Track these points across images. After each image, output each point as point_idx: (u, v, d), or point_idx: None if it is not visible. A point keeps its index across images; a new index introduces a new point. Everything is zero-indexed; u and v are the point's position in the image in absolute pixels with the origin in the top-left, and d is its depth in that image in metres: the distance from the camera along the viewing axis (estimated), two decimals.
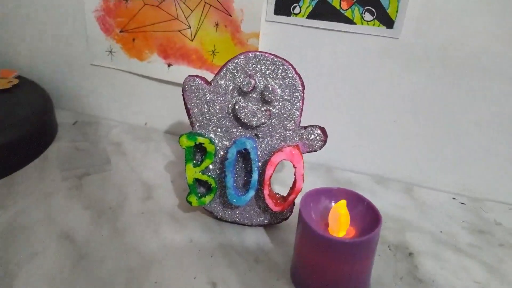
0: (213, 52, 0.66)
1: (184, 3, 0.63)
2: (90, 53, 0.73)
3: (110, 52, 0.71)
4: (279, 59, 0.50)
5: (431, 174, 0.66)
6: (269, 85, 0.49)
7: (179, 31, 0.66)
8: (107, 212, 0.55)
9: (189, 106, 0.52)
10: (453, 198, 0.64)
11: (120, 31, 0.69)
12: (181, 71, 0.69)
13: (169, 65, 0.69)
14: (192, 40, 0.66)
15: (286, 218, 0.53)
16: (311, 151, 0.52)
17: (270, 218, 0.53)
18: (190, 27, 0.65)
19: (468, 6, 0.55)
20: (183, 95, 0.52)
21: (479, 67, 0.58)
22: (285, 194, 0.53)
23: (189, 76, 0.51)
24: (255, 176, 0.49)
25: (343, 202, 0.43)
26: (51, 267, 0.46)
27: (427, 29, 0.57)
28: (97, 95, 0.78)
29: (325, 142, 0.51)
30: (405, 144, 0.66)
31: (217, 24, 0.64)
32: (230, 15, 0.62)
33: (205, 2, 0.62)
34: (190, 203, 0.51)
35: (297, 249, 0.46)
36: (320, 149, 0.52)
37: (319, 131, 0.51)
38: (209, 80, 0.52)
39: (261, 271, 0.48)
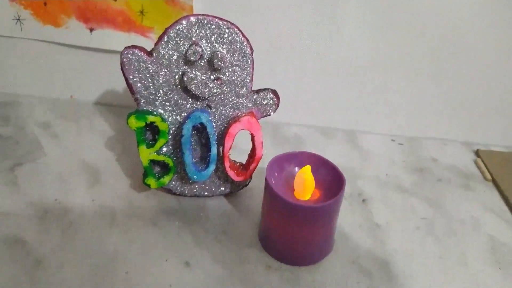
0: (142, 12, 0.60)
1: None
2: None
3: (18, 19, 0.61)
4: (224, 22, 0.46)
5: (371, 119, 0.69)
6: (218, 52, 0.46)
7: None
8: (54, 206, 0.50)
9: (130, 82, 0.47)
10: (392, 140, 0.69)
11: None
12: (105, 36, 0.62)
13: (91, 29, 0.61)
14: (115, 0, 0.59)
15: (246, 185, 0.53)
16: (265, 116, 0.51)
17: (231, 187, 0.53)
18: None
19: None
20: (122, 70, 0.47)
21: (408, 15, 0.60)
22: (241, 160, 0.52)
23: (126, 48, 0.46)
24: (214, 150, 0.47)
25: (307, 168, 0.44)
26: (6, 281, 0.42)
27: None
28: (10, 71, 0.68)
29: (278, 105, 0.51)
30: (346, 94, 0.67)
31: None
32: None
33: None
34: (148, 185, 0.48)
35: (265, 216, 0.47)
36: (274, 112, 0.51)
37: (271, 95, 0.50)
38: (149, 50, 0.47)
39: (231, 242, 0.48)
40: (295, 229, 0.44)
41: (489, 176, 0.61)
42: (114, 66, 0.65)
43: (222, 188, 0.52)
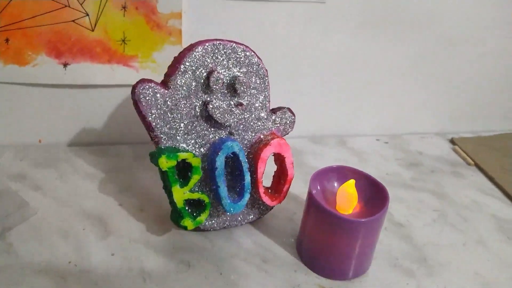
0: (123, 40, 0.55)
1: None
2: None
3: None
4: (239, 45, 0.45)
5: (357, 122, 0.72)
6: (240, 77, 0.44)
7: (73, 21, 0.52)
8: (71, 270, 0.44)
9: (149, 119, 0.43)
10: (377, 140, 0.72)
11: None
12: (82, 70, 0.56)
13: (65, 65, 0.55)
14: (93, 30, 0.53)
15: (272, 207, 0.52)
16: (285, 135, 0.50)
17: (259, 213, 0.51)
18: (88, 15, 0.52)
19: None
20: (137, 107, 0.42)
21: (397, 20, 0.63)
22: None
23: (139, 82, 0.42)
24: (247, 178, 0.45)
25: (352, 182, 0.44)
26: None
27: None
28: None
29: (295, 122, 0.50)
30: (333, 101, 0.69)
31: (124, 7, 0.52)
32: None
33: None
34: (185, 228, 0.44)
35: (309, 234, 0.46)
36: (292, 130, 0.50)
37: (289, 113, 0.49)
38: (162, 82, 0.44)
39: (275, 270, 0.46)
40: (344, 244, 0.44)
41: (471, 161, 0.67)
42: (88, 101, 0.60)
43: (251, 216, 0.50)
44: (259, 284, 0.44)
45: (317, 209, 0.43)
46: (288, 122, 0.49)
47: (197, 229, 0.49)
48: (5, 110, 0.58)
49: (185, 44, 0.57)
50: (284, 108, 0.49)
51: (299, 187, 0.55)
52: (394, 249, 0.50)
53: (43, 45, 0.53)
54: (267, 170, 0.49)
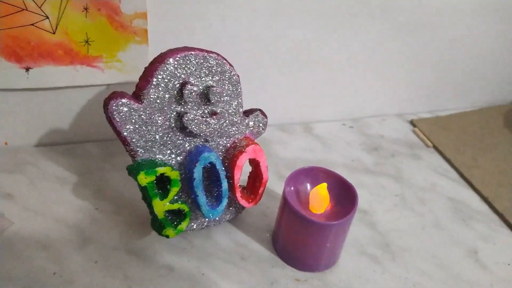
0: (87, 41, 0.53)
1: None
2: None
3: None
4: (210, 54, 0.45)
5: (321, 108, 0.74)
6: (213, 87, 0.45)
7: (33, 24, 0.50)
8: (55, 281, 0.45)
9: (124, 134, 0.43)
10: (343, 124, 0.75)
11: None
12: (45, 73, 0.53)
13: (27, 69, 0.53)
14: (54, 33, 0.51)
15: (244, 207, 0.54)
16: (258, 136, 0.52)
17: (235, 211, 0.53)
18: (48, 17, 0.50)
19: None
20: (112, 123, 0.42)
21: (354, 9, 0.64)
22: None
23: (111, 99, 0.41)
24: (225, 184, 0.47)
25: (324, 185, 0.47)
26: None
27: None
28: None
29: (267, 122, 0.52)
30: (297, 89, 0.70)
31: (86, 9, 0.50)
32: None
33: None
34: (167, 236, 0.46)
35: (285, 233, 0.49)
36: (264, 131, 0.52)
37: (261, 116, 0.51)
38: (132, 93, 0.43)
39: (253, 266, 0.49)
40: (316, 243, 0.47)
41: (430, 143, 0.72)
42: (55, 102, 0.58)
43: (229, 215, 0.52)
44: (239, 282, 0.47)
45: (291, 212, 0.46)
46: (261, 124, 0.51)
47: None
48: None
49: (151, 43, 0.56)
50: (256, 110, 0.50)
51: (270, 180, 0.57)
52: (360, 237, 0.55)
53: (2, 50, 0.50)
54: (243, 170, 0.51)
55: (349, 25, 0.65)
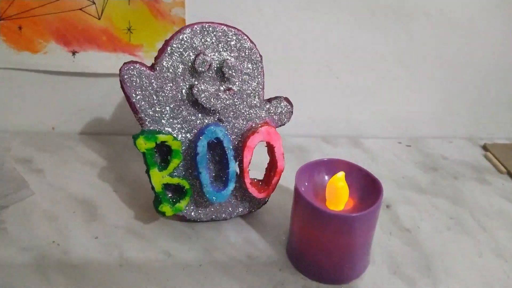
0: (129, 29, 0.55)
1: None
2: None
3: None
4: (230, 28, 0.43)
5: (373, 123, 0.67)
6: (228, 60, 0.43)
7: (80, 9, 0.53)
8: (52, 250, 0.44)
9: (133, 100, 0.42)
10: (399, 143, 0.67)
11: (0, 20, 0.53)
12: (90, 58, 0.57)
13: (73, 53, 0.56)
14: (99, 19, 0.54)
15: (266, 202, 0.49)
16: (280, 125, 0.47)
17: (250, 206, 0.48)
18: (94, 3, 0.53)
19: None
20: (123, 88, 0.42)
21: (402, 11, 0.59)
22: (259, 176, 0.48)
23: (125, 63, 0.41)
24: (232, 166, 0.43)
25: (341, 175, 0.40)
26: None
27: None
28: None
29: (292, 112, 0.47)
30: (343, 99, 0.65)
31: None
32: None
33: None
34: (163, 213, 0.43)
35: (296, 232, 0.42)
36: (288, 120, 0.48)
37: (285, 102, 0.47)
38: (151, 65, 0.43)
39: (259, 267, 0.43)
40: (331, 242, 0.40)
41: (503, 169, 0.60)
42: (101, 90, 0.61)
43: (241, 209, 0.48)
44: (239, 279, 0.42)
45: (302, 204, 0.40)
46: (283, 111, 0.47)
47: (183, 219, 0.47)
48: (20, 97, 0.60)
49: None
50: (280, 97, 0.47)
51: None
52: (397, 255, 0.46)
53: (52, 33, 0.55)
54: (262, 162, 0.47)
55: (407, 28, 0.60)
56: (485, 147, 0.65)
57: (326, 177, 0.43)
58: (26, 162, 0.57)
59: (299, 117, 0.65)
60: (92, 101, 0.62)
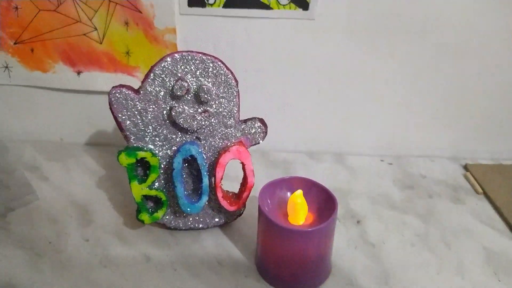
0: (127, 53, 0.61)
1: (85, 4, 0.57)
2: None
3: (6, 67, 0.62)
4: (208, 56, 0.48)
5: (357, 140, 0.71)
6: (203, 85, 0.48)
7: (84, 34, 0.60)
8: (47, 249, 0.50)
9: (119, 120, 0.48)
10: (381, 160, 0.70)
11: (15, 43, 0.60)
12: (93, 78, 0.63)
13: (78, 72, 0.63)
14: (101, 43, 0.60)
15: (241, 214, 0.53)
16: (254, 144, 0.52)
17: (225, 218, 0.53)
18: (96, 29, 0.59)
19: None
20: (110, 108, 0.48)
21: (386, 31, 0.62)
22: (234, 189, 0.53)
23: (113, 87, 0.47)
24: (205, 181, 0.48)
25: (299, 192, 0.44)
26: None
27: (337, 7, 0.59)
28: (1, 117, 0.68)
29: (266, 133, 0.52)
30: (329, 116, 0.69)
31: (127, 23, 0.59)
32: (140, 12, 0.58)
33: (110, 1, 0.57)
34: (142, 221, 0.48)
35: (261, 243, 0.47)
36: (262, 140, 0.52)
37: (259, 123, 0.51)
38: (137, 88, 0.48)
39: (227, 273, 0.48)
40: (290, 255, 0.44)
41: (480, 190, 0.62)
42: (103, 106, 0.67)
43: (217, 219, 0.52)
44: (206, 283, 0.46)
45: (262, 219, 0.44)
46: (257, 132, 0.51)
47: (164, 227, 0.52)
48: (32, 111, 0.68)
49: None
50: (255, 118, 0.51)
51: None
52: (357, 268, 0.49)
53: (59, 55, 0.61)
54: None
55: (391, 47, 0.63)
56: (466, 167, 0.67)
57: (288, 194, 0.47)
58: (35, 169, 0.63)
59: (287, 133, 0.70)
60: (95, 115, 0.68)
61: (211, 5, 0.57)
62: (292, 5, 0.57)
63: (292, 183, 0.47)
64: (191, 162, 0.49)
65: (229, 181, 0.53)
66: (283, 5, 0.57)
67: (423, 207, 0.59)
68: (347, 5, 0.59)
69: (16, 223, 0.53)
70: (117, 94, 0.47)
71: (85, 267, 0.48)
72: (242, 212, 0.53)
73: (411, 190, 0.63)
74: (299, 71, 0.65)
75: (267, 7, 0.58)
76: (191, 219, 0.52)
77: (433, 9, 0.60)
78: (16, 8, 0.57)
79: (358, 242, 0.53)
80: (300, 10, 0.58)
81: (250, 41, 0.62)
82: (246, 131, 0.51)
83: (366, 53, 0.63)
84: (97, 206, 0.57)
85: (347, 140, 0.70)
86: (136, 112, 0.48)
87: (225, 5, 0.57)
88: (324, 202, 0.46)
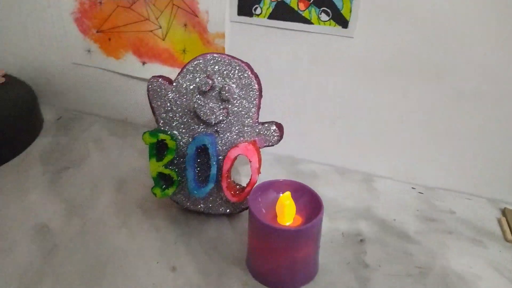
0: (184, 51, 0.69)
1: (154, 5, 0.67)
2: (71, 52, 0.77)
3: (89, 51, 0.74)
4: (235, 60, 0.53)
5: (390, 164, 0.69)
6: (226, 85, 0.53)
7: (151, 31, 0.69)
8: (82, 204, 0.59)
9: (153, 105, 0.55)
10: (412, 188, 0.68)
11: (97, 32, 0.72)
12: (155, 69, 0.72)
13: (143, 63, 0.72)
14: (163, 40, 0.69)
15: (247, 208, 0.57)
16: (268, 146, 0.55)
17: (232, 208, 0.57)
18: (161, 27, 0.68)
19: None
20: (148, 94, 0.55)
21: (416, 69, 0.61)
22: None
23: (153, 76, 0.55)
24: (213, 169, 0.53)
25: (287, 194, 0.47)
26: (22, 261, 0.50)
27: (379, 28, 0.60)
28: (79, 92, 0.82)
29: (281, 137, 0.55)
30: (366, 136, 0.69)
31: (185, 25, 0.67)
32: (197, 16, 0.65)
33: (173, 4, 0.66)
34: (155, 194, 0.55)
35: (249, 239, 0.50)
36: (276, 143, 0.55)
37: (274, 127, 0.54)
38: (173, 80, 0.55)
39: (218, 257, 0.52)
40: (272, 252, 0.47)
41: (510, 237, 0.57)
42: None
43: (223, 208, 0.57)
44: (196, 262, 0.51)
45: (251, 218, 0.48)
46: (272, 134, 0.54)
47: (179, 205, 0.58)
48: (104, 91, 0.79)
49: None
50: (272, 122, 0.55)
51: None
52: (340, 283, 0.49)
53: (130, 46, 0.71)
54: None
55: (432, 89, 0.62)
56: (503, 212, 0.62)
57: (279, 195, 0.50)
58: (97, 140, 0.75)
59: (321, 145, 0.72)
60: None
61: (258, 15, 0.63)
62: (332, 22, 0.60)
63: (282, 186, 0.50)
64: (205, 151, 0.55)
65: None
66: (324, 21, 0.60)
67: (435, 242, 0.57)
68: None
69: (66, 180, 0.64)
70: (154, 83, 0.55)
71: (106, 225, 0.56)
72: (248, 207, 0.57)
73: (432, 222, 0.60)
74: (337, 85, 0.66)
75: (308, 21, 0.61)
76: (202, 204, 0.57)
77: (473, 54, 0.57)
78: (100, 2, 0.69)
79: (353, 261, 0.53)
80: (339, 28, 0.60)
81: (290, 51, 0.65)
82: (262, 132, 0.55)
83: (401, 92, 0.63)
84: (132, 179, 0.65)
85: (381, 162, 0.70)
86: (167, 101, 0.55)
87: (270, 17, 0.62)
88: (312, 205, 0.48)
